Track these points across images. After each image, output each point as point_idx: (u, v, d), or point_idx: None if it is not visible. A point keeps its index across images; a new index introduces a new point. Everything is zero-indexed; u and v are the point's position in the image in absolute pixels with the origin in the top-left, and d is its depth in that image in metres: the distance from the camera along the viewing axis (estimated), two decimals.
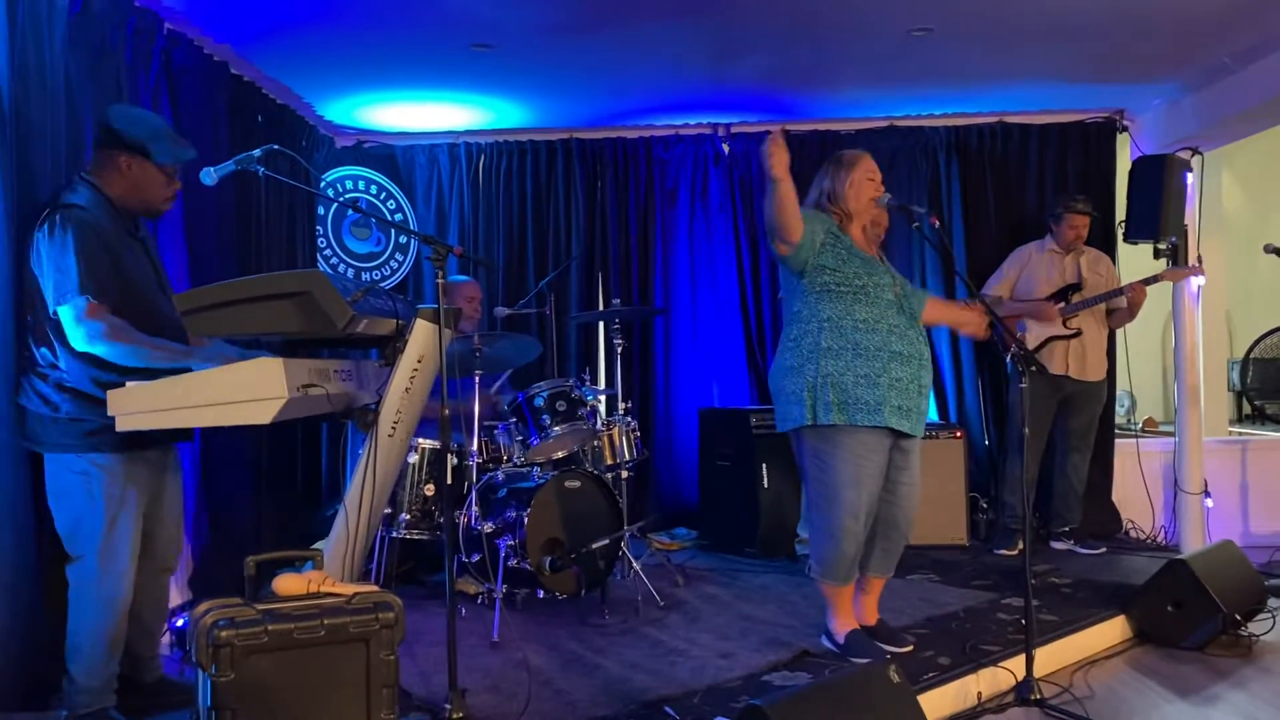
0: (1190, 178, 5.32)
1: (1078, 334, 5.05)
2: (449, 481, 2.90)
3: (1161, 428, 6.79)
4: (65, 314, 2.68)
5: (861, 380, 3.26)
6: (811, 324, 3.35)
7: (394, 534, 4.20)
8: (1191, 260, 5.37)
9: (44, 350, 2.76)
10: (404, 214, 5.76)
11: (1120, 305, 5.11)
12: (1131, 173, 5.22)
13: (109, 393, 2.62)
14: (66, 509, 2.81)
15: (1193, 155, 5.40)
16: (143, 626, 3.06)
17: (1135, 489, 5.61)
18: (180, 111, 3.93)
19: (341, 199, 5.56)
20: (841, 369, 3.27)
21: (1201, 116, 5.22)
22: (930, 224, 3.45)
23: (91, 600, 2.82)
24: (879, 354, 3.28)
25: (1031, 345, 5.10)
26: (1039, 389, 5.02)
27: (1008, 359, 5.27)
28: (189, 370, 2.67)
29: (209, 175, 2.92)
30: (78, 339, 2.68)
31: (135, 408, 2.61)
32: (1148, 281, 5.01)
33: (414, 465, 4.24)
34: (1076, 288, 5.09)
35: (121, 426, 2.61)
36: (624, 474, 4.48)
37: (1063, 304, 5.06)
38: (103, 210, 2.82)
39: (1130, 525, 5.64)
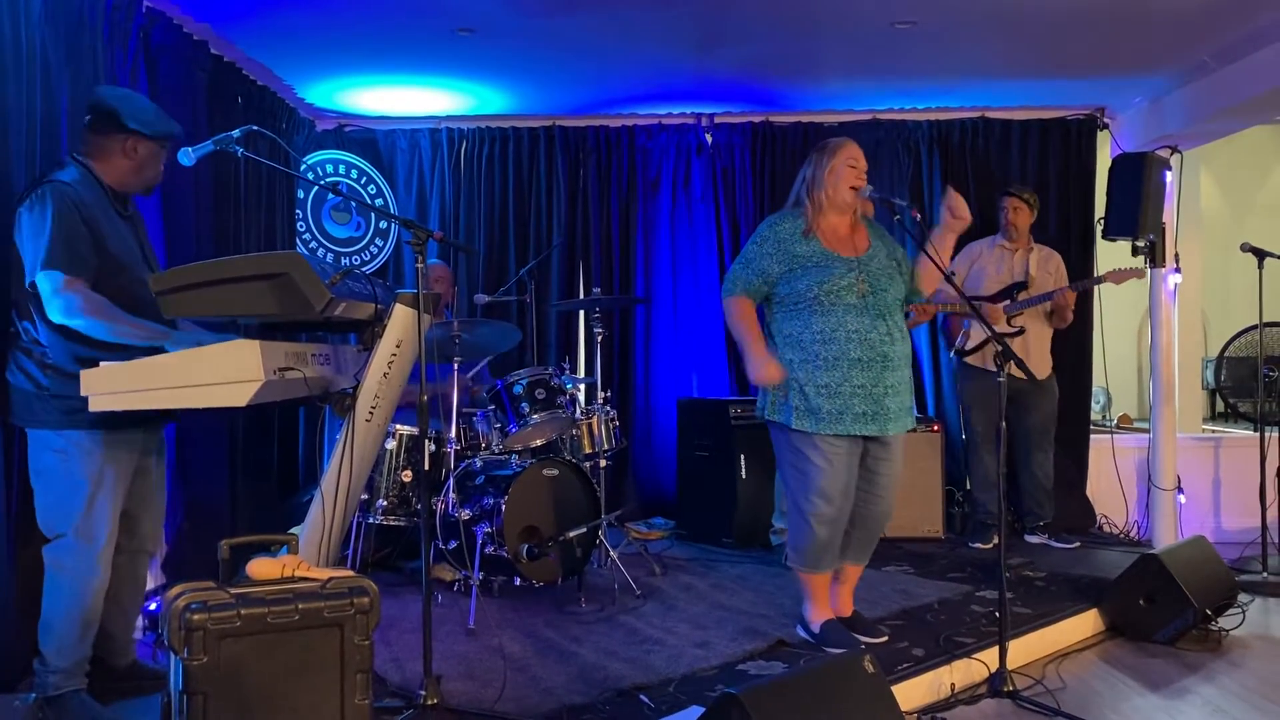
0: (1169, 176, 5.35)
1: (1021, 332, 5.05)
2: (426, 468, 2.89)
3: (1136, 424, 6.86)
4: (41, 286, 2.69)
5: (823, 390, 3.30)
6: (778, 337, 3.45)
7: (371, 520, 4.19)
8: (1168, 259, 5.40)
9: (26, 324, 2.77)
10: (384, 199, 5.72)
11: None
12: (1111, 170, 5.24)
13: (83, 373, 2.60)
14: (45, 487, 2.81)
15: (1172, 154, 5.44)
16: (120, 608, 3.05)
17: (1109, 484, 5.66)
18: (159, 90, 3.88)
19: (322, 182, 5.51)
20: (804, 379, 3.33)
21: (1181, 115, 5.25)
22: (912, 217, 3.46)
23: (67, 580, 2.80)
24: (838, 363, 3.30)
25: (974, 342, 5.14)
26: (988, 387, 5.06)
27: (952, 354, 5.29)
28: (163, 350, 2.66)
29: (187, 155, 2.90)
30: (54, 311, 2.69)
31: (109, 388, 2.59)
32: (1076, 287, 5.04)
33: (391, 451, 4.22)
34: (1023, 285, 5.10)
35: (94, 407, 2.59)
36: (602, 463, 4.48)
37: (1007, 301, 5.08)
38: (90, 188, 2.82)
39: (1104, 520, 5.69)
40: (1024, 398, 5.09)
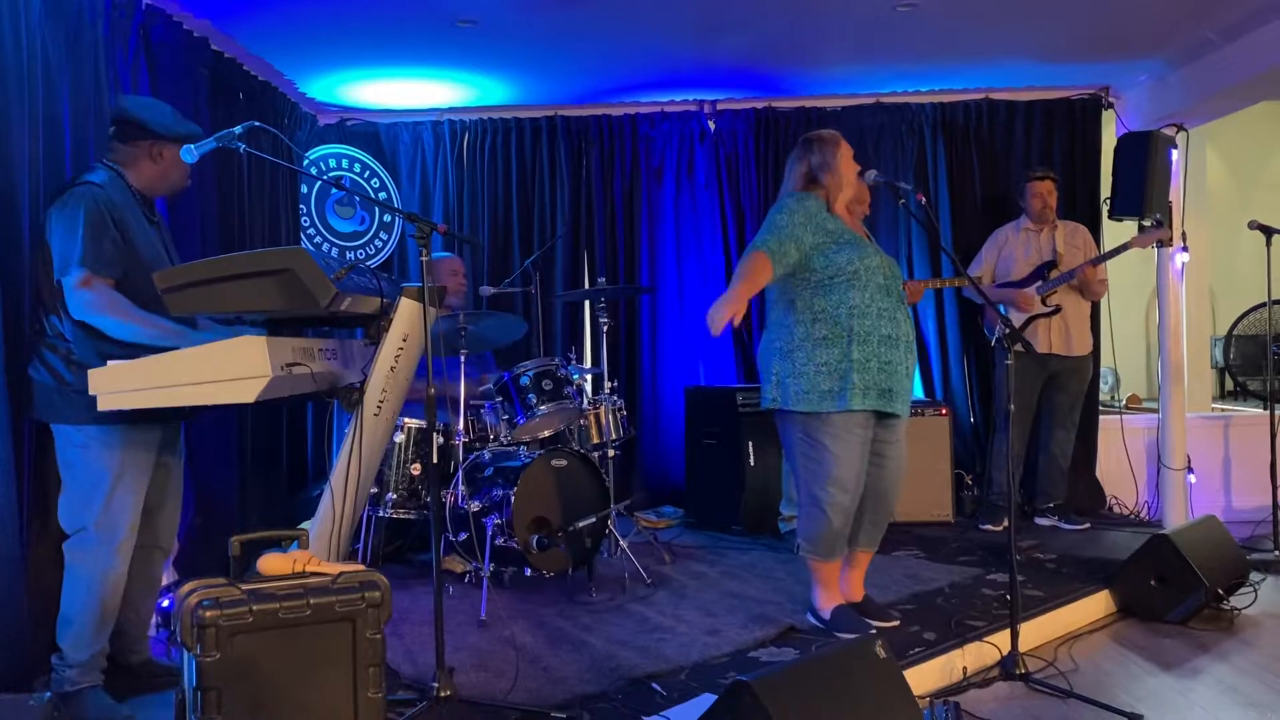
0: (1175, 154, 5.33)
1: (1058, 310, 5.05)
2: (435, 461, 2.89)
3: (1145, 404, 6.83)
4: (65, 282, 2.76)
5: (854, 365, 3.29)
6: (805, 314, 3.37)
7: (381, 513, 4.20)
8: (1176, 237, 5.37)
9: (53, 318, 2.82)
10: (388, 192, 5.71)
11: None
12: (1117, 149, 5.21)
13: (90, 372, 2.62)
14: (68, 481, 2.85)
15: (1178, 132, 5.40)
16: (133, 606, 3.08)
17: (1119, 465, 5.65)
18: (160, 88, 3.88)
19: (325, 177, 5.51)
20: (838, 356, 3.30)
21: (1186, 93, 5.22)
22: (916, 200, 3.46)
23: (85, 573, 2.83)
24: (869, 338, 3.31)
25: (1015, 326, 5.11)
26: (1026, 367, 5.04)
27: (994, 342, 5.28)
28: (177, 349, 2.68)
29: (189, 152, 2.89)
30: (74, 307, 2.75)
31: (117, 386, 2.60)
32: (1096, 261, 5.02)
33: (400, 445, 4.22)
34: (1053, 264, 5.09)
35: (103, 406, 2.60)
36: (610, 453, 4.48)
37: (1040, 282, 5.07)
38: (119, 192, 2.90)
39: (1114, 501, 5.68)
40: (1061, 375, 5.10)
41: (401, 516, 4.25)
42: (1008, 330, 3.32)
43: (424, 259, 2.85)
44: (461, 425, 4.18)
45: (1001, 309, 5.15)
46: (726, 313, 3.19)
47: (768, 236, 3.36)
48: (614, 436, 4.49)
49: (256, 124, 2.99)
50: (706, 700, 2.72)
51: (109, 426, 2.80)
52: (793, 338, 3.38)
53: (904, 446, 3.50)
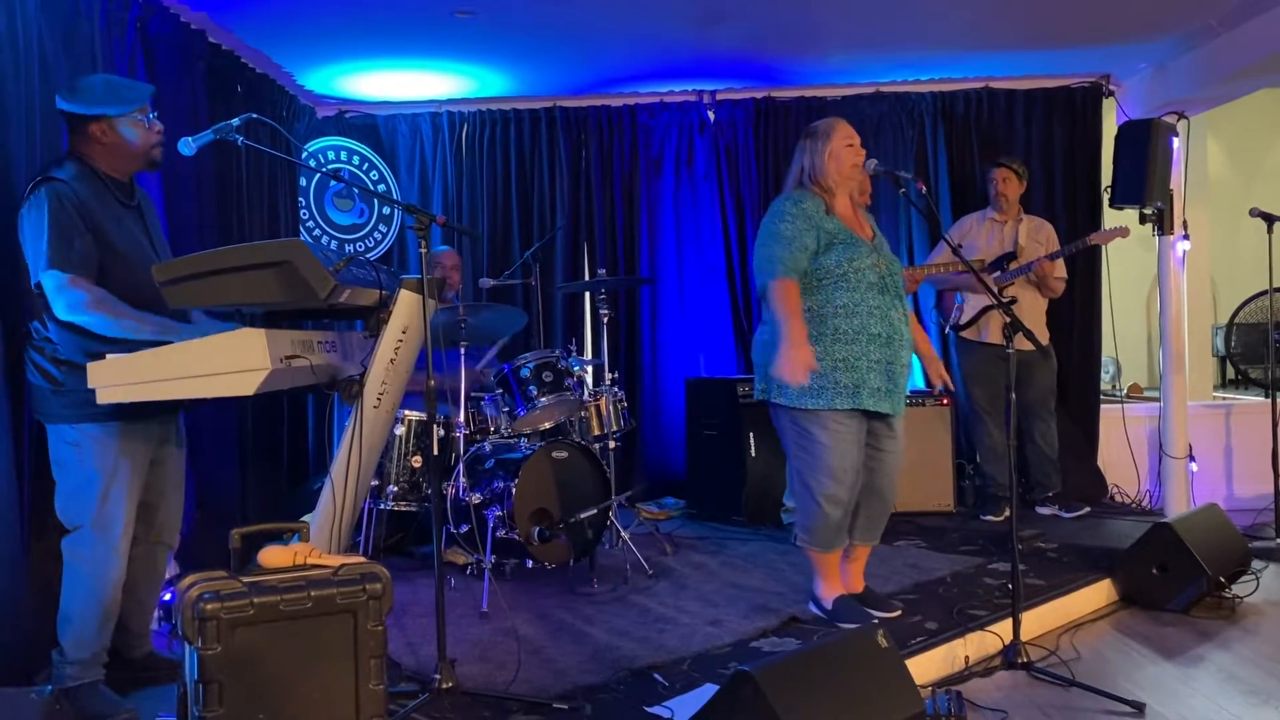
0: (1176, 142, 5.31)
1: (1013, 302, 5.02)
2: (436, 453, 2.89)
3: (1146, 393, 6.84)
4: (46, 285, 2.70)
5: (840, 364, 3.29)
6: None
7: (382, 506, 4.20)
8: (1176, 225, 5.36)
9: (35, 324, 2.79)
10: (387, 185, 5.70)
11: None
12: (1117, 138, 5.20)
13: (89, 365, 2.60)
14: (63, 480, 2.83)
15: (1178, 120, 5.39)
16: (138, 601, 3.07)
17: (1120, 454, 5.65)
18: (157, 81, 3.86)
19: (324, 169, 5.50)
20: (820, 354, 3.29)
21: (1187, 80, 5.20)
22: (917, 189, 3.44)
23: (84, 573, 2.82)
24: (857, 338, 3.30)
25: (969, 315, 5.12)
26: (987, 359, 5.06)
27: (948, 329, 5.27)
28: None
29: (187, 145, 2.88)
30: (60, 309, 2.70)
31: (115, 380, 2.59)
32: (1054, 255, 5.01)
33: (401, 437, 4.22)
34: (1012, 256, 5.08)
35: (102, 400, 2.59)
36: (611, 444, 4.48)
37: (997, 273, 5.06)
38: (87, 182, 2.81)
39: (1115, 490, 5.68)
40: (1021, 369, 5.07)
41: (403, 509, 4.26)
42: (1008, 320, 3.31)
43: (423, 251, 2.85)
44: (462, 417, 4.18)
45: (959, 298, 5.16)
46: (799, 356, 3.17)
47: (781, 253, 3.31)
48: (615, 428, 4.49)
49: (254, 116, 2.97)
50: (708, 690, 2.72)
51: (103, 423, 2.78)
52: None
53: (900, 442, 3.48)
